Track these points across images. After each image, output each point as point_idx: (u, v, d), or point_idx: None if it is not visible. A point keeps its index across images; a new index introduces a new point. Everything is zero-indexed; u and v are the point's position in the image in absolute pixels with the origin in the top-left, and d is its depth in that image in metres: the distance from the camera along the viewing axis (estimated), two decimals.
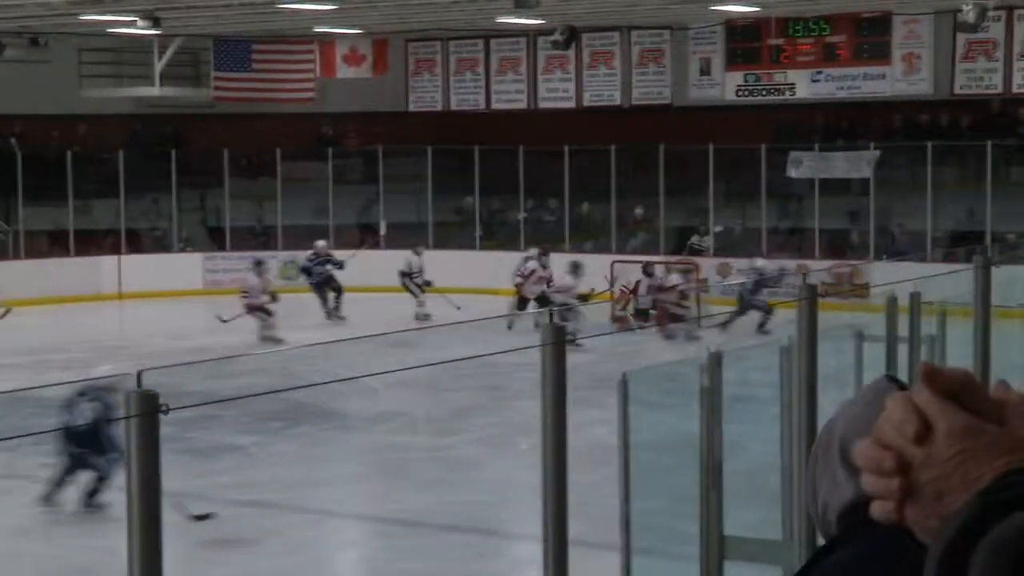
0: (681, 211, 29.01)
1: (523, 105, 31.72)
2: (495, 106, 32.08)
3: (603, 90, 31.08)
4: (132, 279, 28.84)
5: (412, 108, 32.91)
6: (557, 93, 31.51)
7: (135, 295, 28.19)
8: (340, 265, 25.46)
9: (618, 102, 30.86)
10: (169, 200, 30.89)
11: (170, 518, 4.28)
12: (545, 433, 5.14)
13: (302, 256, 29.70)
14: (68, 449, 12.84)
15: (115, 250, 29.80)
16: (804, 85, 29.01)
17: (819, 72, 28.85)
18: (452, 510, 12.92)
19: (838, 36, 28.54)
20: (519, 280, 24.51)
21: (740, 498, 6.89)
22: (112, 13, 24.66)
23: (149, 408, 3.97)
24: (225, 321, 22.69)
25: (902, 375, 8.20)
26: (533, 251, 25.49)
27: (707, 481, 6.20)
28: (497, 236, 30.71)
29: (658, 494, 7.21)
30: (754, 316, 22.30)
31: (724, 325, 22.34)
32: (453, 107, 32.55)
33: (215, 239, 31.41)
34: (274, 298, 23.35)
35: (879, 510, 1.12)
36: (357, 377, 15.49)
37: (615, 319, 24.36)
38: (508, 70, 32.06)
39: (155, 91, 30.35)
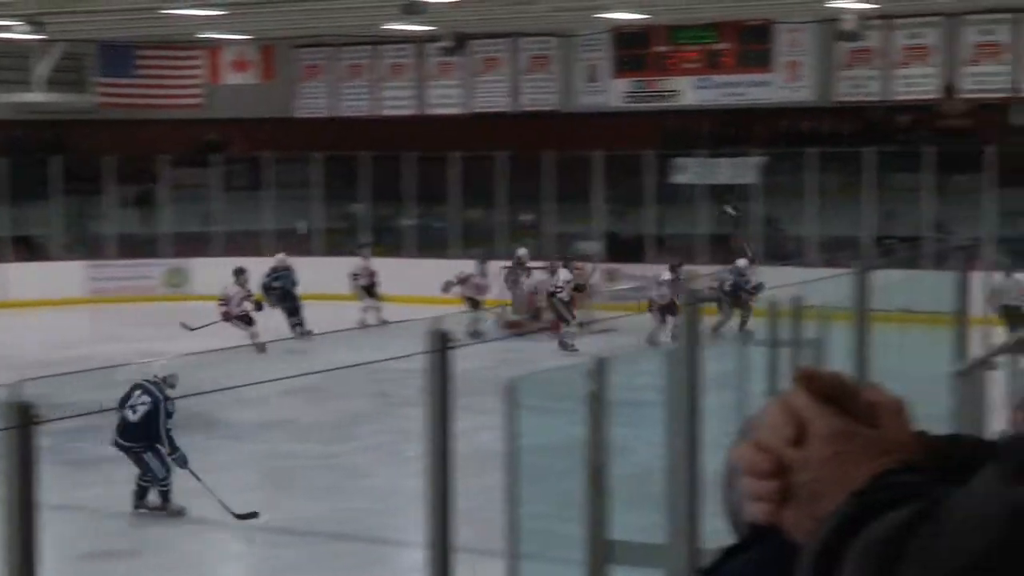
0: (569, 216, 29.09)
1: (412, 111, 31.66)
2: (383, 112, 31.99)
3: (492, 96, 31.12)
4: (13, 287, 28.30)
5: (299, 114, 32.71)
6: (446, 99, 31.49)
7: (16, 304, 27.63)
8: (295, 283, 24.51)
9: (507, 108, 30.92)
10: (50, 207, 30.34)
11: (47, 530, 4.18)
12: (429, 439, 5.13)
13: (190, 263, 29.51)
14: (120, 443, 12.80)
15: None
16: (690, 92, 29.26)
17: (705, 79, 29.11)
18: (340, 518, 12.84)
19: (723, 44, 28.83)
20: (453, 281, 24.31)
21: (626, 502, 6.91)
22: None
23: (23, 420, 3.90)
24: (192, 329, 21.89)
25: (784, 379, 8.29)
26: (525, 251, 25.59)
27: (591, 485, 6.21)
28: (384, 243, 30.60)
29: (545, 499, 7.23)
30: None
31: (715, 330, 21.88)
32: (341, 113, 32.40)
33: (98, 246, 30.86)
34: (259, 306, 22.94)
35: (758, 512, 1.13)
36: (244, 385, 15.34)
37: (509, 324, 24.33)
38: (397, 76, 31.99)
39: (37, 97, 29.82)
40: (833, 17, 25.64)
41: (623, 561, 6.24)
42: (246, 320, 22.49)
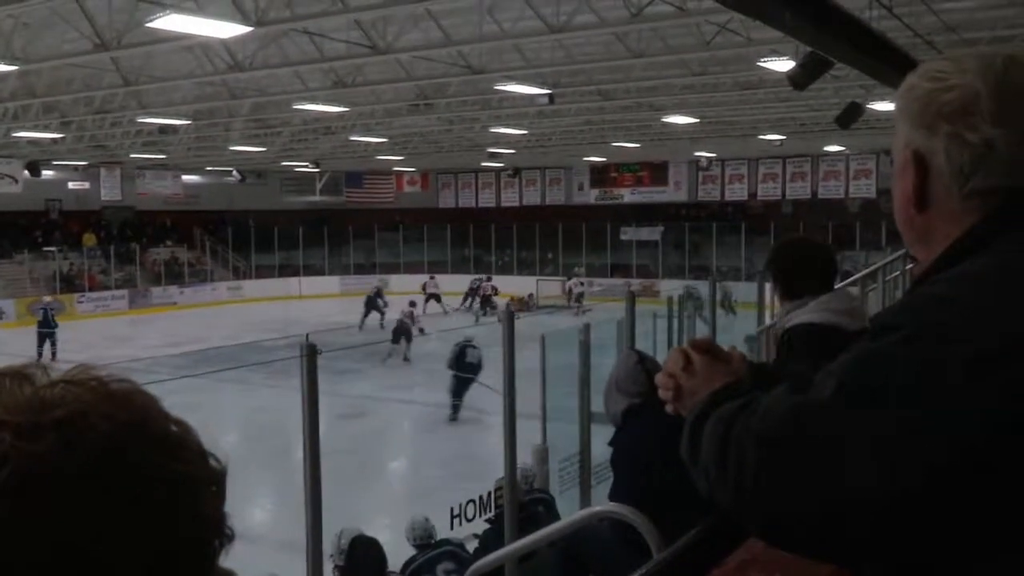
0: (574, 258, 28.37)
1: (492, 204, 30.90)
2: (480, 204, 31.30)
3: (529, 197, 30.46)
4: (305, 288, 28.00)
5: (442, 205, 32.21)
6: (511, 199, 30.76)
7: (299, 297, 27.12)
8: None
9: (537, 203, 30.26)
10: (325, 249, 29.94)
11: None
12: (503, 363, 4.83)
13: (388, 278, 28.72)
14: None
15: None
16: (627, 195, 28.61)
17: (635, 189, 28.53)
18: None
19: (643, 172, 28.23)
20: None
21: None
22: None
23: (311, 352, 3.80)
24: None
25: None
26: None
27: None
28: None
29: (564, 385, 6.97)
30: None
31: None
32: (461, 205, 31.69)
33: (347, 267, 30.25)
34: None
35: (670, 408, 1.11)
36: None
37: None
38: (487, 186, 31.39)
39: (317, 198, 29.77)
40: (696, 160, 25.47)
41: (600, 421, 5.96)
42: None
